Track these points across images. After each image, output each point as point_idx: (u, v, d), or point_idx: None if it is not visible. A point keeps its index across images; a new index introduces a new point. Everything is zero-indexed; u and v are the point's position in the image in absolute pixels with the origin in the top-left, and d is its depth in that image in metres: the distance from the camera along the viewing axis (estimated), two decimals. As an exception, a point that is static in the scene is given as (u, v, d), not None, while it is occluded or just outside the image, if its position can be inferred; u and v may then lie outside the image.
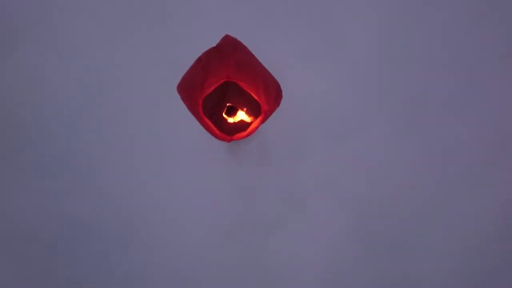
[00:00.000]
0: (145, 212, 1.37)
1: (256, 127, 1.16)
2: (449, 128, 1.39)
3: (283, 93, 1.11)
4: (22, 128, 1.38)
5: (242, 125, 1.25)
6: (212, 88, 1.21)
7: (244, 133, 1.19)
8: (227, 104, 1.24)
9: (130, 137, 1.37)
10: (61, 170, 1.37)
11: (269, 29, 1.37)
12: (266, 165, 1.37)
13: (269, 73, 1.09)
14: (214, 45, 1.06)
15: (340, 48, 1.39)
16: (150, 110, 1.36)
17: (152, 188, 1.37)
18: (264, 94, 1.13)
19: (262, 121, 1.13)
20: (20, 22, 1.39)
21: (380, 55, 1.39)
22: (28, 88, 1.38)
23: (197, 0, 1.37)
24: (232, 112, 1.24)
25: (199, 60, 1.07)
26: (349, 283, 1.38)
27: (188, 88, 1.08)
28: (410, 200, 1.38)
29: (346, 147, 1.38)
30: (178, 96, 1.06)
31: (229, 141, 1.14)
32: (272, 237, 1.37)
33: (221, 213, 1.37)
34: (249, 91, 1.22)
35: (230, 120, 1.26)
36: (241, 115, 1.26)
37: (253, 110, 1.26)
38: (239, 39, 1.06)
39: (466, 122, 1.39)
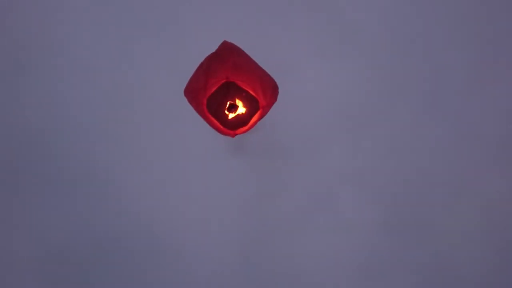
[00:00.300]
0: (171, 222, 1.39)
1: (256, 122, 1.25)
2: (471, 109, 1.35)
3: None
4: (45, 146, 1.42)
5: (243, 121, 1.35)
6: (214, 89, 1.31)
7: (245, 128, 1.28)
8: (228, 102, 1.34)
9: (144, 145, 1.42)
10: (86, 187, 1.41)
11: (277, 29, 1.42)
12: (284, 159, 1.39)
13: (264, 71, 1.18)
14: (214, 50, 1.16)
15: (353, 35, 1.39)
16: (163, 120, 1.42)
17: (174, 197, 1.40)
18: (261, 90, 1.23)
19: (261, 116, 1.23)
20: (27, 41, 1.44)
21: (393, 39, 1.37)
22: (45, 106, 1.43)
23: (198, 11, 1.45)
24: (233, 108, 1.34)
25: (201, 65, 1.17)
26: (387, 276, 1.34)
27: (193, 91, 1.19)
28: (439, 186, 1.35)
29: (366, 137, 1.38)
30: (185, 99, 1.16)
31: (234, 136, 1.24)
32: (298, 234, 1.37)
33: (245, 213, 1.39)
34: (247, 89, 1.32)
35: (231, 115, 1.36)
36: (241, 109, 1.36)
37: (252, 106, 1.36)
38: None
39: (489, 101, 1.35)
